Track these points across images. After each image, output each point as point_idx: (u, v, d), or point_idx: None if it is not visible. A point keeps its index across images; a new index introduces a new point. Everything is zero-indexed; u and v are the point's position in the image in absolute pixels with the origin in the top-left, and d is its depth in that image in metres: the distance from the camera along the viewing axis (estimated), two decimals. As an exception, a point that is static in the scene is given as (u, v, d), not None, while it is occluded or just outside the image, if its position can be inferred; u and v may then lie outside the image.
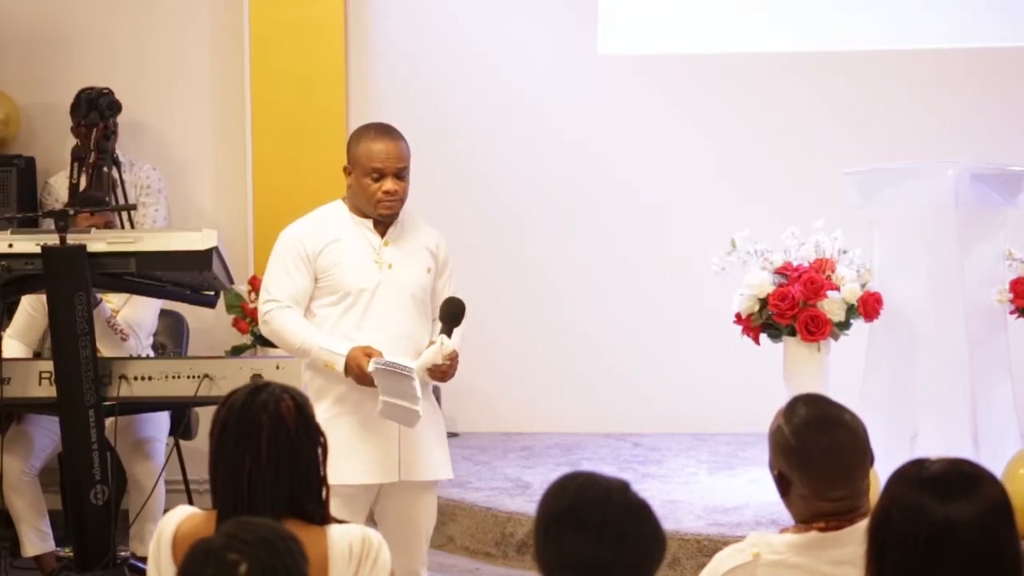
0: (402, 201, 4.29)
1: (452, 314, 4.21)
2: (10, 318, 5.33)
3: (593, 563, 2.32)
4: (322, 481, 2.87)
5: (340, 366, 4.15)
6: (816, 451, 2.80)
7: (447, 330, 4.18)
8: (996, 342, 5.44)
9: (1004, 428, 5.40)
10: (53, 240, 4.31)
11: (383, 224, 4.32)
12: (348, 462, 4.12)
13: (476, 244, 6.60)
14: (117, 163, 6.03)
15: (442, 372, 4.20)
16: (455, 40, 6.97)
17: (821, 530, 2.80)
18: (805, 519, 2.84)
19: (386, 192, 4.24)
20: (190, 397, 4.51)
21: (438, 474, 4.34)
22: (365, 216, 4.31)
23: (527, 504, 5.67)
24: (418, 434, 4.24)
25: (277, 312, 4.25)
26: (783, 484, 2.84)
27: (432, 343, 4.18)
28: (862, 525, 2.41)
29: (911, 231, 5.42)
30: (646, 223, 6.94)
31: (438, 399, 4.67)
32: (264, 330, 4.35)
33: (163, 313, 5.62)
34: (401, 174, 4.27)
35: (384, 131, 4.32)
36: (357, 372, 4.14)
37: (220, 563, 2.18)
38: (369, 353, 4.13)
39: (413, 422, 4.13)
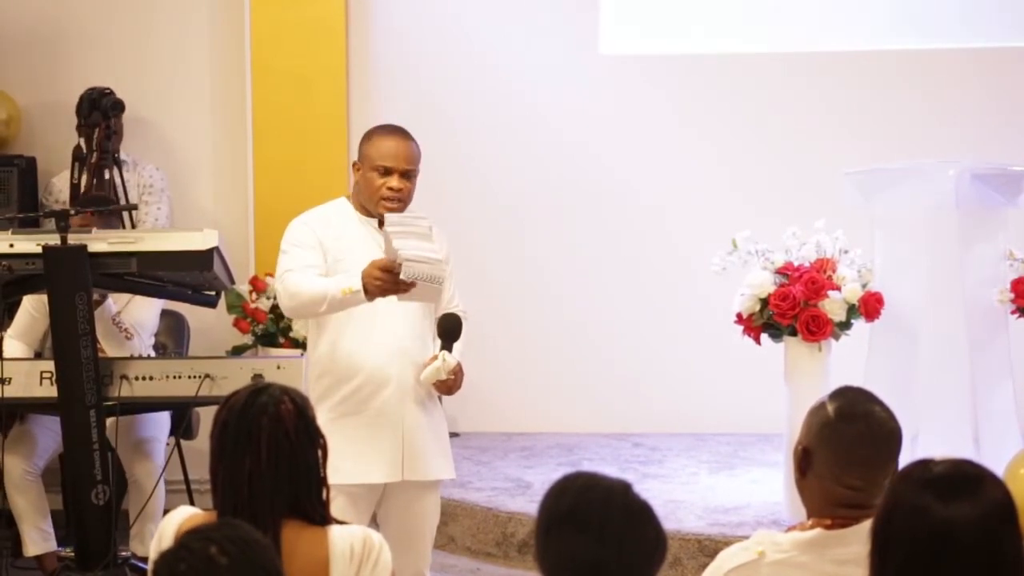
0: (405, 203, 4.28)
1: (449, 330, 4.21)
2: (11, 318, 5.33)
3: (594, 564, 2.31)
4: (322, 482, 2.87)
5: (358, 285, 4.03)
6: (852, 431, 2.81)
7: (447, 346, 4.19)
8: (996, 342, 5.45)
9: (1004, 428, 5.41)
10: (54, 240, 4.31)
11: (387, 224, 4.32)
12: (352, 462, 4.12)
13: (476, 244, 6.60)
14: (118, 164, 6.03)
15: (448, 387, 4.21)
16: (455, 40, 6.97)
17: (827, 528, 2.80)
18: (816, 506, 2.84)
19: (390, 188, 4.23)
20: (191, 397, 4.51)
21: (441, 474, 4.34)
22: (370, 215, 4.31)
23: (528, 504, 5.67)
24: (422, 434, 4.24)
25: (289, 275, 4.19)
26: (805, 462, 2.84)
27: (434, 358, 4.17)
28: (867, 524, 2.41)
29: (911, 231, 5.42)
30: (646, 223, 6.94)
31: (439, 399, 4.66)
32: (282, 299, 4.24)
33: (164, 313, 5.62)
34: (408, 175, 4.27)
35: (398, 130, 4.34)
36: (376, 278, 3.98)
37: (193, 557, 2.17)
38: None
39: (439, 277, 3.99)
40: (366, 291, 4.03)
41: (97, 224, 5.02)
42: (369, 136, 4.35)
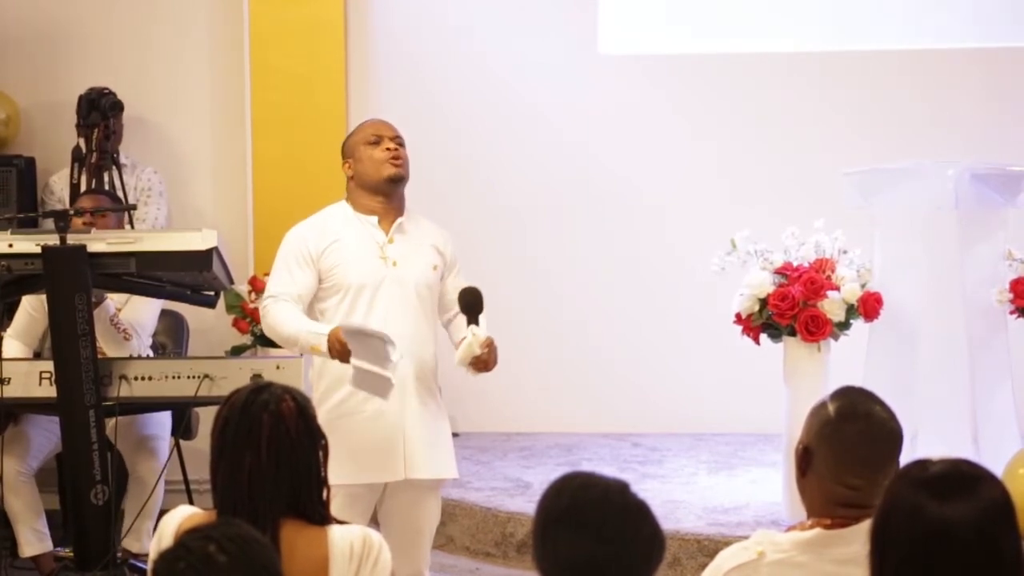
0: (405, 166, 4.33)
1: (471, 303, 4.19)
2: (10, 318, 5.33)
3: (591, 564, 2.32)
4: (323, 482, 2.88)
5: (324, 346, 4.11)
6: (853, 431, 2.82)
7: (473, 319, 4.17)
8: (996, 342, 5.45)
9: (1004, 428, 5.40)
10: (53, 240, 4.31)
11: (388, 220, 4.32)
12: (354, 462, 4.12)
13: (476, 244, 6.59)
14: (117, 164, 6.03)
15: (484, 362, 4.17)
16: (455, 40, 6.97)
17: (826, 528, 2.80)
18: (815, 506, 2.84)
19: (388, 150, 4.30)
20: (190, 397, 4.51)
21: (443, 473, 4.33)
22: (370, 212, 4.32)
23: (527, 504, 5.67)
24: (424, 433, 4.24)
25: (272, 305, 4.27)
26: (805, 461, 2.85)
27: (464, 338, 4.15)
28: (867, 524, 2.41)
29: (911, 231, 5.42)
30: (646, 223, 6.94)
31: (440, 395, 4.66)
32: (263, 325, 4.36)
33: (163, 313, 5.62)
34: (398, 141, 4.35)
35: (372, 118, 4.50)
36: (338, 348, 4.06)
37: (193, 556, 2.18)
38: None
39: (385, 391, 4.03)
40: (329, 351, 4.10)
41: (111, 224, 5.07)
42: (350, 134, 4.49)
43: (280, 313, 4.24)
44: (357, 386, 4.07)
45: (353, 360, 4.03)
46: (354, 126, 4.68)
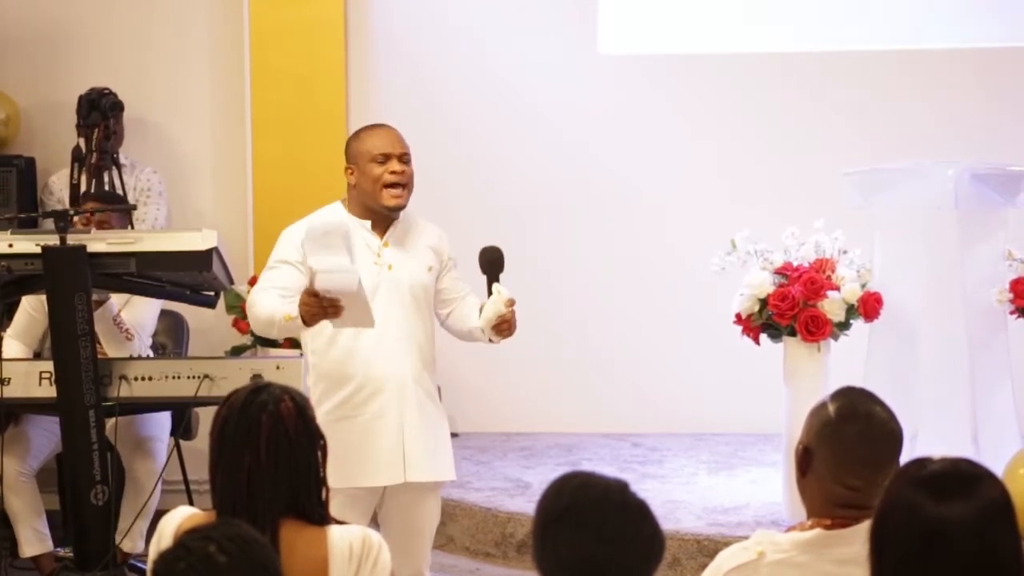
0: (408, 186, 4.29)
1: (492, 260, 4.18)
2: (10, 318, 5.33)
3: (591, 563, 2.32)
4: (322, 482, 2.88)
5: (295, 311, 4.02)
6: (853, 431, 2.82)
7: (494, 278, 4.16)
8: (996, 342, 5.45)
9: (1004, 428, 5.40)
10: (53, 240, 4.31)
11: (382, 225, 4.31)
12: (354, 465, 4.12)
13: (476, 244, 6.56)
14: (117, 165, 6.03)
15: (508, 322, 4.17)
16: (455, 40, 6.97)
17: (826, 528, 2.80)
18: (815, 506, 2.84)
19: (393, 172, 4.25)
20: (190, 397, 4.51)
21: (442, 475, 4.33)
22: (365, 217, 4.31)
23: (527, 504, 5.67)
24: (422, 435, 4.23)
25: (252, 295, 4.24)
26: (805, 462, 2.85)
27: (488, 299, 4.14)
28: (867, 524, 2.41)
29: (911, 231, 5.42)
30: (646, 223, 6.94)
31: (439, 397, 4.66)
32: (248, 317, 4.31)
33: (163, 313, 5.61)
34: (405, 159, 4.30)
35: (382, 124, 4.41)
36: (304, 299, 3.98)
37: (192, 556, 2.18)
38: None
39: (350, 288, 3.90)
40: (302, 318, 4.02)
41: (114, 224, 5.07)
42: (356, 135, 4.40)
43: (259, 301, 4.19)
44: (322, 287, 3.90)
45: (317, 268, 3.91)
46: (354, 126, 4.69)
